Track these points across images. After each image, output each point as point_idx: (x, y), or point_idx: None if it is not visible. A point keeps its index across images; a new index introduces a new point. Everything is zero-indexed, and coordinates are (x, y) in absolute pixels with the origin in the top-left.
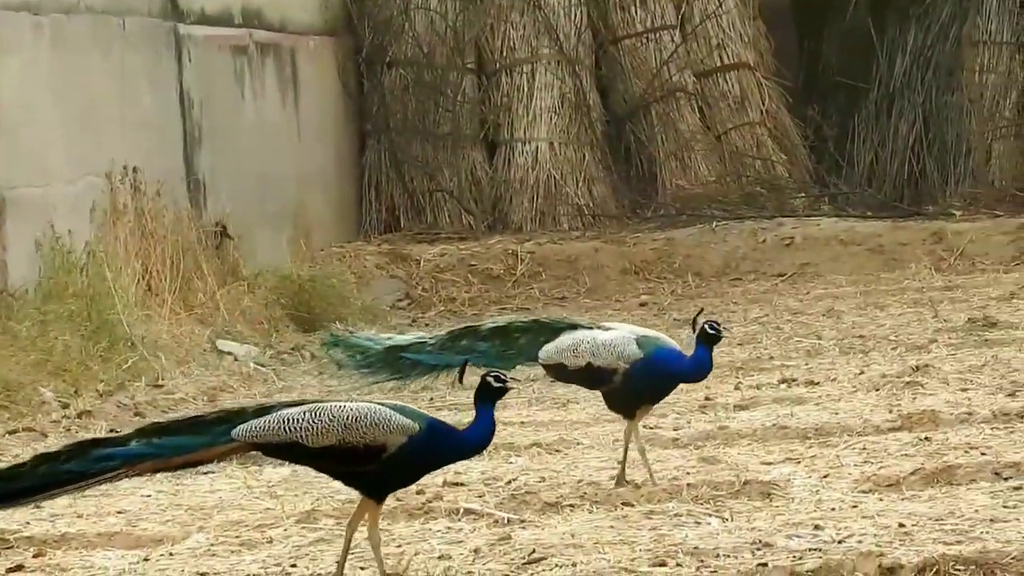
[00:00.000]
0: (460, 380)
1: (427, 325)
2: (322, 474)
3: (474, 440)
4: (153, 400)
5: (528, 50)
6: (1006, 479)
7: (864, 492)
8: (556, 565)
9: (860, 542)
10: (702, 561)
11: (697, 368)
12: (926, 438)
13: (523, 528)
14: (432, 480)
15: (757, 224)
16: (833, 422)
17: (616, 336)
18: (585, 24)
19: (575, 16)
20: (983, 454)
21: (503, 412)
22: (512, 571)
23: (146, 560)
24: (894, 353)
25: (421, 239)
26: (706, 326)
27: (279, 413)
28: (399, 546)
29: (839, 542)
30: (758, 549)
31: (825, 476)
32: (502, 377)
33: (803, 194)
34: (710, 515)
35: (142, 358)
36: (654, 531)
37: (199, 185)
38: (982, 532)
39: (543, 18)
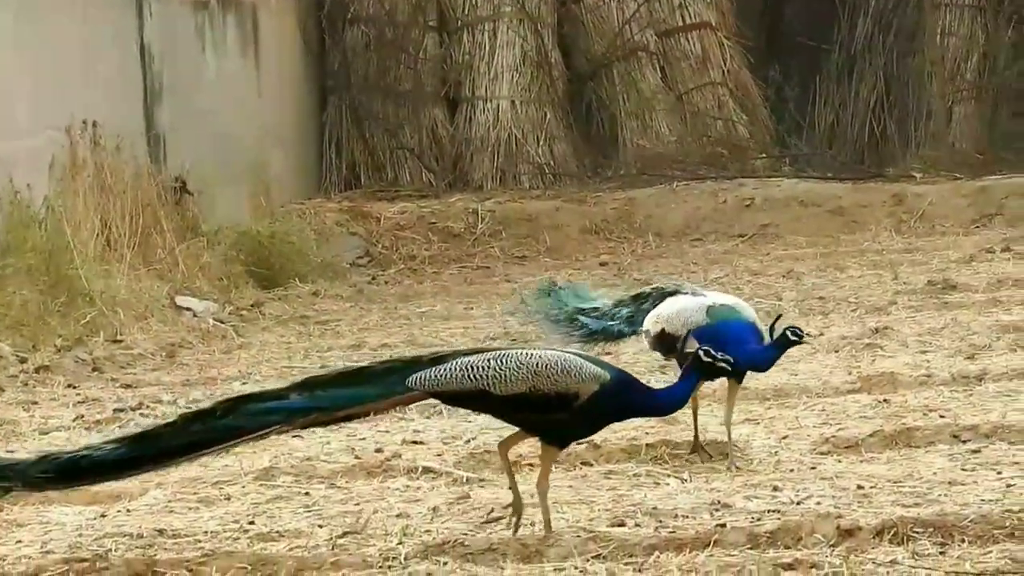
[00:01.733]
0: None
1: (386, 283)
2: (504, 422)
3: (664, 401)
4: (111, 355)
5: (490, 8)
6: (964, 442)
7: (823, 454)
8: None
9: (818, 504)
10: (660, 521)
11: (750, 360)
12: (885, 400)
13: (482, 487)
14: (391, 438)
15: (718, 184)
16: (792, 383)
17: (689, 303)
18: None
19: None
20: (942, 416)
21: None
22: (470, 530)
23: (103, 516)
24: (853, 315)
25: (381, 196)
26: (788, 331)
27: (460, 361)
28: (357, 504)
29: (797, 503)
30: (716, 510)
31: (784, 437)
32: (713, 352)
33: (764, 155)
34: (669, 475)
35: (100, 313)
36: (612, 491)
37: (159, 140)
38: (940, 495)
39: None
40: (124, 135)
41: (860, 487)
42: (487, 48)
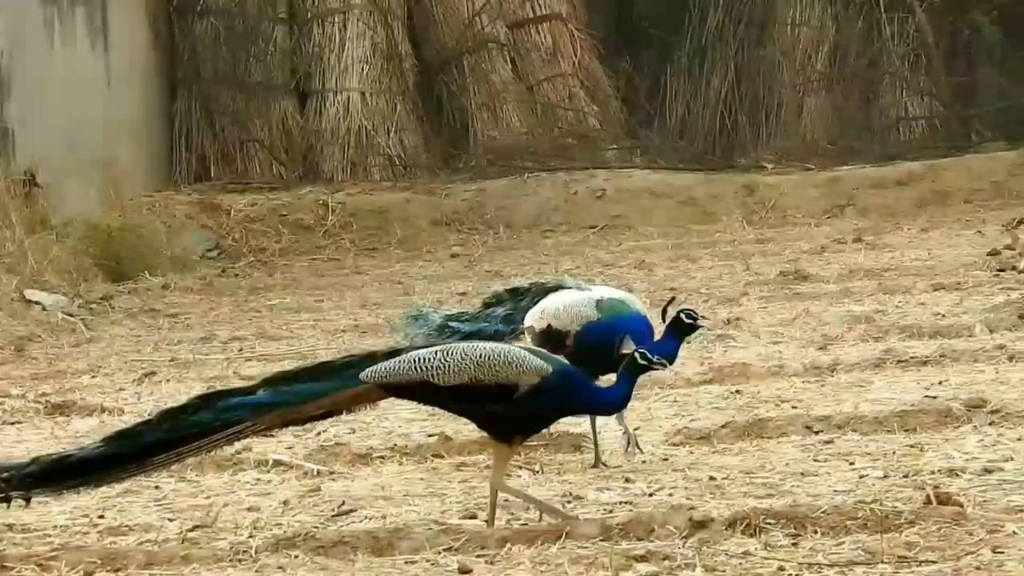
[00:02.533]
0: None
1: (236, 276)
2: (455, 415)
3: (609, 399)
4: None
5: (340, 0)
6: (816, 432)
7: (675, 445)
8: (366, 517)
9: (671, 495)
10: (512, 513)
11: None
12: (737, 391)
13: (333, 480)
14: None
15: (569, 176)
16: (644, 374)
17: (577, 298)
18: None
19: None
20: (794, 407)
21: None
22: (321, 523)
23: None
24: (706, 306)
25: (231, 189)
26: (682, 315)
27: (410, 354)
28: (208, 497)
29: (650, 495)
30: (569, 502)
31: (636, 429)
32: (649, 355)
33: (615, 146)
34: (521, 467)
35: None
36: (464, 483)
37: (7, 133)
38: (792, 486)
39: None
40: None
41: (712, 478)
42: (337, 40)
